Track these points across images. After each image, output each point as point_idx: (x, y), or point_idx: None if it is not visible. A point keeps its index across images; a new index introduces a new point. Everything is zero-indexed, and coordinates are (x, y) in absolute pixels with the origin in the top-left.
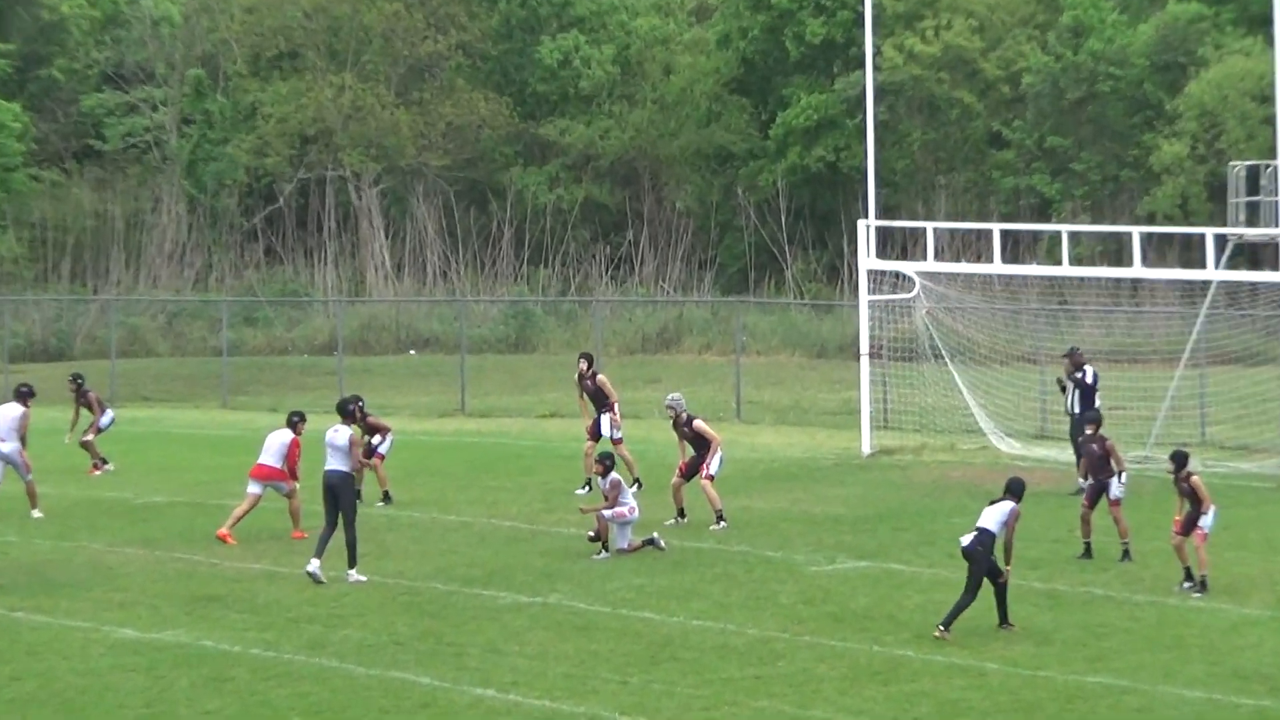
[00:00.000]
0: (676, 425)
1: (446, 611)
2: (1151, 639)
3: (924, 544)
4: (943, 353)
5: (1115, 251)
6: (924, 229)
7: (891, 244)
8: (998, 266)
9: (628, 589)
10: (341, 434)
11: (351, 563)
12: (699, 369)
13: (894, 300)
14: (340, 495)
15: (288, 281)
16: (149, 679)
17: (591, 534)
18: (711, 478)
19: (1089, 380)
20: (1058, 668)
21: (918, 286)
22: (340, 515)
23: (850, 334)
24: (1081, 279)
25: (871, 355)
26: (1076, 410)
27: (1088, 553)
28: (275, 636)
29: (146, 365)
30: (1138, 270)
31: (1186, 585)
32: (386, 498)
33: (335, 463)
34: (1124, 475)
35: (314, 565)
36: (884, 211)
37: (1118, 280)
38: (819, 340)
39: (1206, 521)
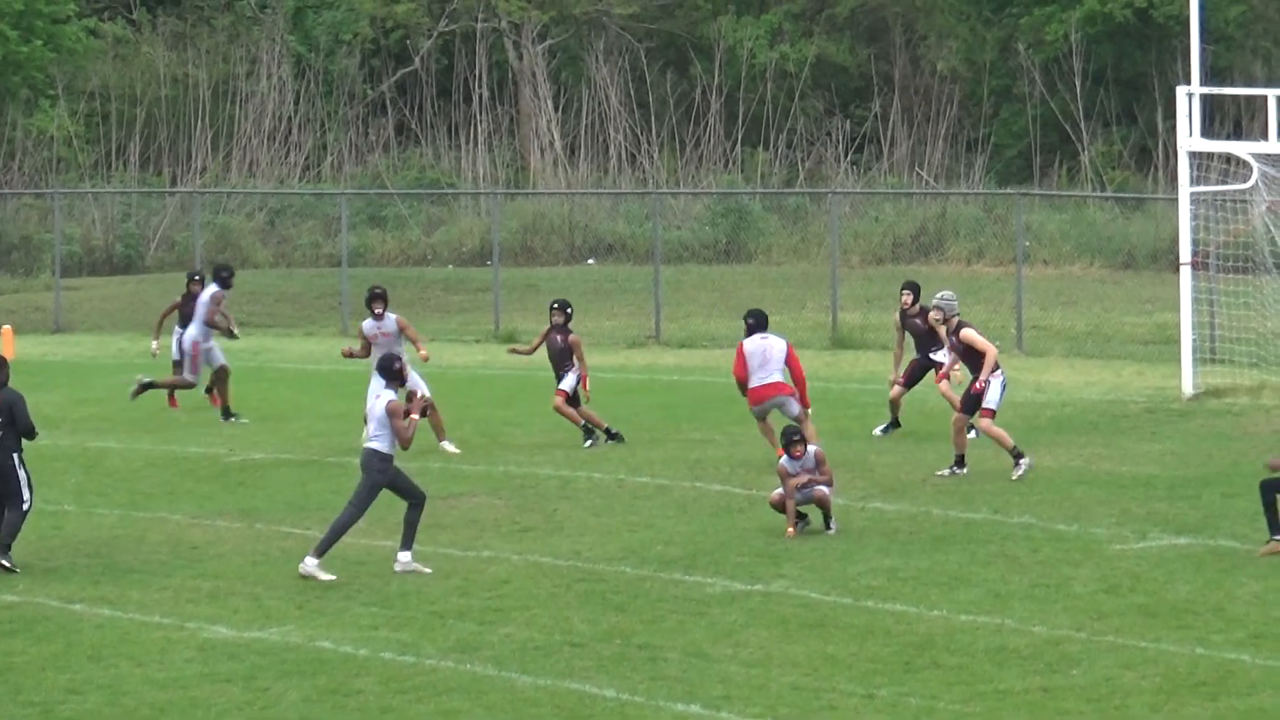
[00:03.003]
0: (932, 333)
1: (637, 604)
2: None
3: (1263, 515)
4: None
5: None
6: (1264, 98)
7: (1222, 118)
8: None
9: (875, 573)
10: (381, 401)
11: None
12: (968, 282)
13: (1225, 193)
14: (364, 472)
15: (426, 169)
16: (248, 691)
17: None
18: (992, 413)
19: None
20: None
21: (1256, 174)
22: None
23: (1166, 237)
24: None
25: (1194, 265)
26: None
27: None
28: (414, 636)
29: (242, 279)
30: None
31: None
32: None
33: (370, 438)
34: None
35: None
36: (1212, 76)
37: None
38: (1125, 246)
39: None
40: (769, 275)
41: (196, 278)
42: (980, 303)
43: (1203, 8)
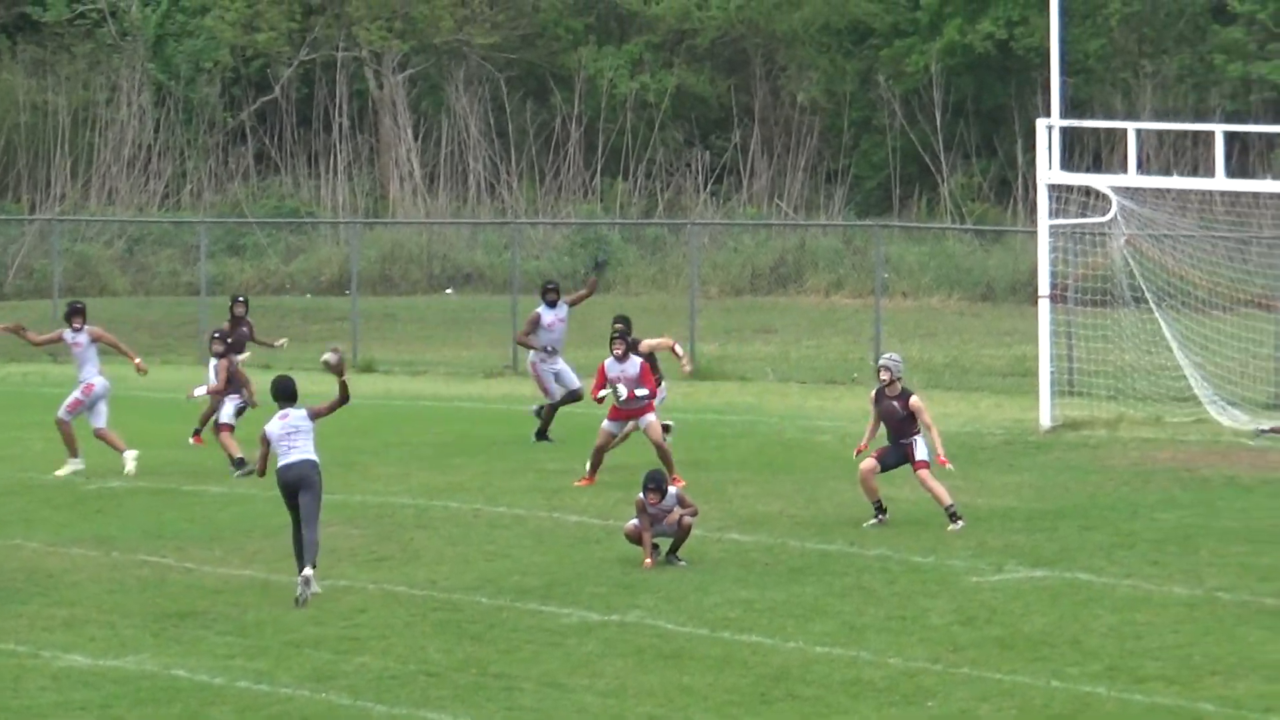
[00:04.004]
0: (881, 396)
1: (493, 633)
2: None
3: (1119, 547)
4: (1147, 295)
5: None
6: (1124, 131)
7: (1081, 151)
8: (1221, 181)
9: (731, 605)
10: (296, 414)
11: (313, 563)
12: (826, 315)
13: (1083, 226)
14: (311, 486)
15: (285, 198)
16: (103, 719)
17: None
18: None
19: None
20: None
21: (1115, 207)
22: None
23: (1025, 270)
24: None
25: (1053, 298)
26: None
27: None
28: (269, 665)
29: (100, 306)
30: None
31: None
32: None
33: (299, 452)
34: None
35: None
36: (1072, 108)
37: None
38: (984, 278)
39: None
40: (627, 305)
41: (240, 300)
42: (839, 334)
43: (1063, 40)
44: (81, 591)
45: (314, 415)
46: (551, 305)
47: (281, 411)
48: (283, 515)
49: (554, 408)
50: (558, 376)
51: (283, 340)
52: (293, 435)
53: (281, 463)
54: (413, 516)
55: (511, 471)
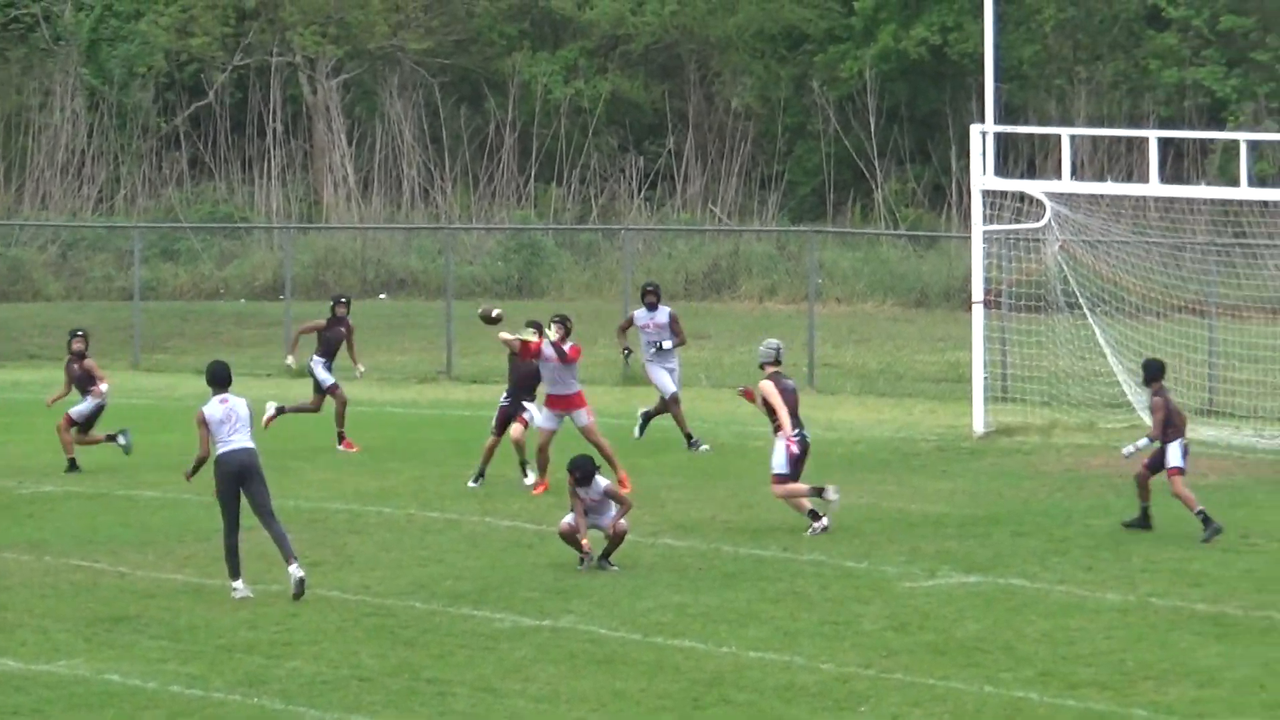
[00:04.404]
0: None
1: (426, 638)
2: None
3: (1052, 553)
4: (1080, 301)
5: None
6: (1058, 137)
7: (1016, 157)
8: (1155, 188)
9: (664, 609)
10: (237, 401)
11: (292, 556)
12: (760, 320)
13: (1017, 232)
14: (257, 475)
15: (219, 203)
16: None
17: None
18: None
19: None
20: (1227, 717)
21: (1049, 213)
22: (254, 506)
23: (959, 276)
24: (1265, 204)
25: (987, 304)
26: None
27: None
28: (202, 669)
29: (33, 312)
30: None
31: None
32: (73, 465)
33: (242, 439)
34: None
35: (242, 588)
36: (1006, 114)
37: None
38: (918, 284)
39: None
40: (561, 311)
41: (343, 300)
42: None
43: (997, 46)
44: (13, 596)
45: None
46: (651, 308)
47: (220, 396)
48: (217, 520)
49: (658, 411)
50: (661, 377)
51: (362, 368)
52: (234, 422)
53: (223, 450)
54: (346, 521)
55: (445, 476)
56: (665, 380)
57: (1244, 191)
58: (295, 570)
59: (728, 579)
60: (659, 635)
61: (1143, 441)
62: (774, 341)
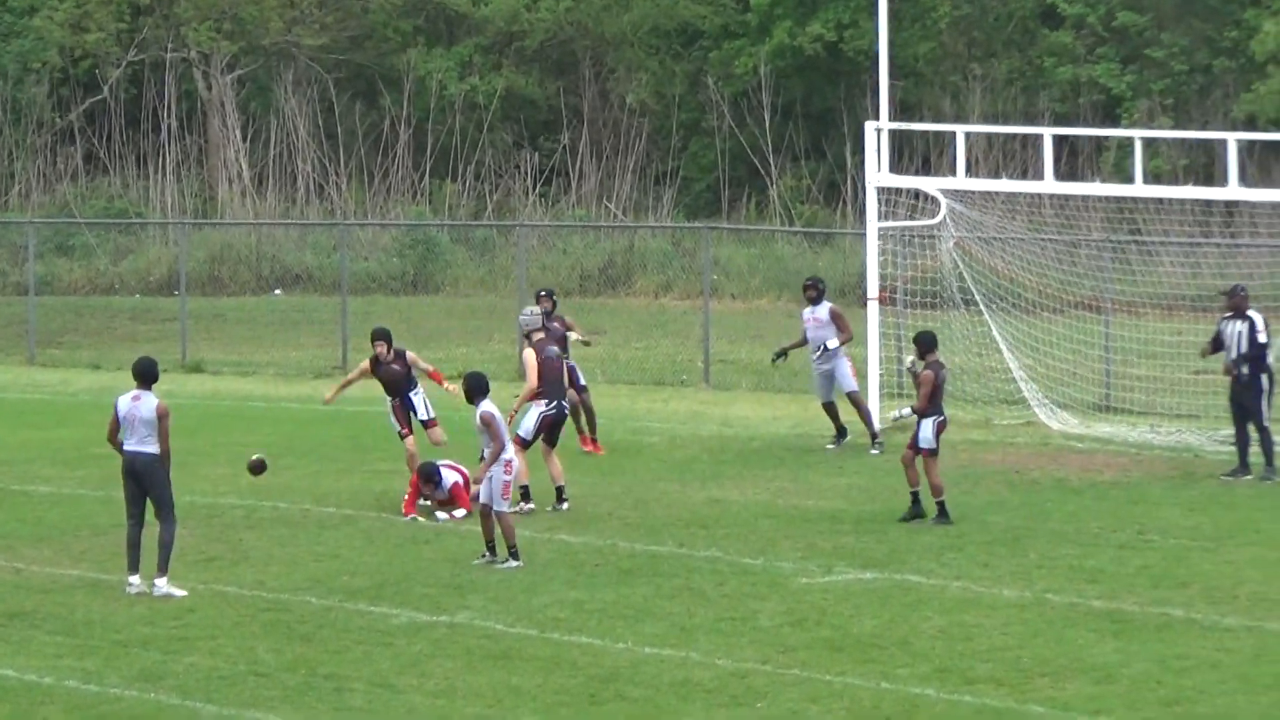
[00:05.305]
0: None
1: (322, 634)
2: (1246, 676)
3: (949, 549)
4: (976, 298)
5: (1205, 166)
6: (953, 134)
7: (911, 154)
8: (1050, 185)
9: (561, 605)
10: (146, 403)
11: (162, 569)
12: (655, 315)
13: (912, 228)
14: (151, 482)
15: (115, 198)
16: None
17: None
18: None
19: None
20: (1123, 713)
21: (944, 210)
22: (152, 507)
23: (854, 272)
24: (1160, 201)
25: (881, 301)
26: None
27: None
28: (98, 665)
29: None
30: (1234, 191)
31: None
32: None
33: (138, 442)
34: None
35: (135, 583)
36: (901, 111)
37: (1207, 203)
38: None
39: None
40: (456, 307)
41: (545, 294)
42: (668, 336)
43: (891, 43)
44: None
45: (162, 416)
46: (813, 302)
47: (134, 393)
48: (112, 515)
49: (827, 408)
50: (829, 378)
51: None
52: (134, 423)
53: (126, 447)
54: (242, 517)
55: (340, 472)
56: (828, 384)
57: (1138, 189)
58: (160, 584)
59: (624, 575)
60: (555, 631)
61: (907, 410)
62: (533, 308)
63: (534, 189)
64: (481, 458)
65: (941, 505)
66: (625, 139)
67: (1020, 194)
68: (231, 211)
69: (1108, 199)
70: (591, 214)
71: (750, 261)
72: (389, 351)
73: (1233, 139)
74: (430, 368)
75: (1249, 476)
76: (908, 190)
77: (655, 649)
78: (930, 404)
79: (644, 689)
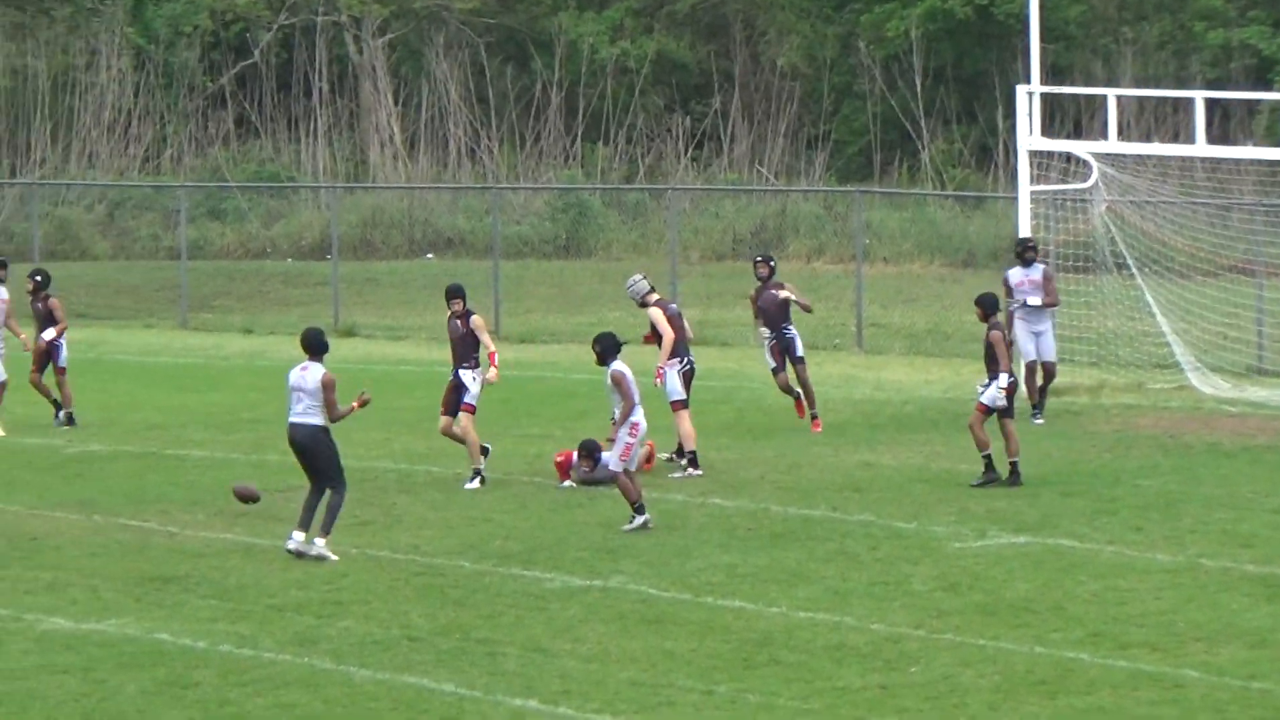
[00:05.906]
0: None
1: (476, 598)
2: None
3: (1102, 514)
4: (1128, 262)
5: None
6: (1104, 97)
7: (1062, 118)
8: (1201, 148)
9: (714, 570)
10: (313, 373)
11: (325, 529)
12: (808, 280)
13: (1064, 192)
14: (314, 454)
15: (266, 162)
16: (86, 683)
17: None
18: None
19: None
20: (1278, 678)
21: (1095, 174)
22: (319, 477)
23: (1006, 236)
24: None
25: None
26: None
27: None
28: (252, 629)
29: (81, 271)
30: None
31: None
32: (70, 418)
33: (301, 413)
34: None
35: (297, 539)
36: (1052, 75)
37: None
38: (965, 244)
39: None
40: (608, 271)
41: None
42: (820, 300)
43: (1043, 7)
44: (63, 555)
45: (327, 386)
46: (1027, 264)
47: (304, 364)
48: (264, 480)
49: (1028, 377)
50: (1039, 338)
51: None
52: (298, 393)
53: (290, 418)
54: (395, 481)
55: (492, 436)
56: (1029, 345)
57: None
58: (318, 544)
59: (776, 539)
60: (709, 595)
61: (1003, 378)
62: (636, 276)
63: (685, 153)
64: (613, 420)
65: (1014, 465)
66: (776, 102)
67: (1171, 158)
68: (383, 175)
69: (1260, 162)
70: (743, 178)
71: (902, 225)
72: (462, 308)
73: None
74: (492, 347)
75: None
76: (1059, 154)
77: (809, 613)
78: (999, 364)
79: (798, 653)
